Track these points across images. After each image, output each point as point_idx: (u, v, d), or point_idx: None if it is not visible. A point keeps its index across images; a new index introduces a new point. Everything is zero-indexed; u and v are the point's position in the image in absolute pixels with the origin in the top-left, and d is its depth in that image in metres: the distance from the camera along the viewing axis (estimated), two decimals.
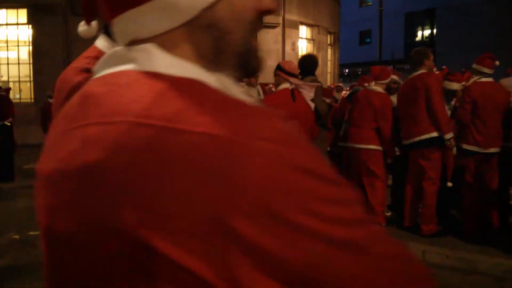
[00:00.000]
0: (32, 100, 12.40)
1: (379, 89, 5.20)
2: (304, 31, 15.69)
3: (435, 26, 29.11)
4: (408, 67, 26.05)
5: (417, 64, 4.73)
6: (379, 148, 5.17)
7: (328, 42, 16.85)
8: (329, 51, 17.03)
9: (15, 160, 7.92)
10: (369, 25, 32.37)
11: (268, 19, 14.12)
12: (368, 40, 33.52)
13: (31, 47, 12.57)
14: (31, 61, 12.59)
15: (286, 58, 14.84)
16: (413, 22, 30.53)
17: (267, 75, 12.20)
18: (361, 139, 5.26)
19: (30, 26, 12.50)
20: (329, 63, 16.93)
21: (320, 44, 16.29)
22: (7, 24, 12.58)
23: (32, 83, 12.55)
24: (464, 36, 26.40)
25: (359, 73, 27.56)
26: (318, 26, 16.04)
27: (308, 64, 5.28)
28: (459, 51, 26.06)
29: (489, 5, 25.81)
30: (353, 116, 5.35)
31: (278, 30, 14.51)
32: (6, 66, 12.67)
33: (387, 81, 5.28)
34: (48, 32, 12.27)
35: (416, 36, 30.91)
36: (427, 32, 29.99)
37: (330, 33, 16.92)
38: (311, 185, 0.44)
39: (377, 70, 5.32)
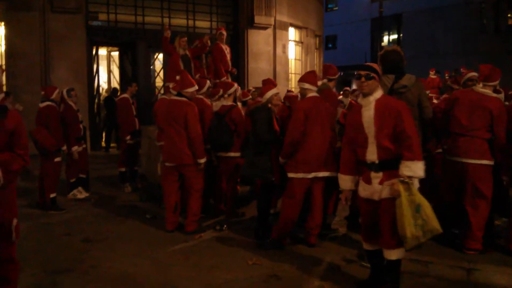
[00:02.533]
0: None
1: (490, 92, 4.65)
2: (292, 33, 15.12)
3: (401, 31, 29.42)
4: None
5: None
6: (491, 163, 4.64)
7: (316, 46, 16.38)
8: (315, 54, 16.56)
9: None
10: (334, 30, 32.47)
11: (260, 20, 13.44)
12: (330, 45, 33.61)
13: (3, 47, 11.29)
14: (3, 63, 11.30)
15: (277, 61, 14.21)
16: (379, 27, 30.69)
17: (258, 78, 11.48)
18: (471, 152, 4.71)
19: (3, 23, 11.23)
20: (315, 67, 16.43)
21: (308, 47, 15.78)
22: None
23: (4, 87, 11.24)
24: (432, 41, 26.80)
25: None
26: (306, 28, 15.53)
27: (397, 58, 4.70)
28: (427, 56, 26.45)
29: (457, 9, 26.27)
30: (461, 123, 4.78)
31: (269, 31, 13.87)
32: None
33: (496, 83, 4.74)
34: (24, 31, 11.05)
35: (383, 41, 31.09)
36: (393, 37, 30.27)
37: (316, 36, 16.45)
38: None
39: (487, 69, 4.75)
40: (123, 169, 8.22)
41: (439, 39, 27.24)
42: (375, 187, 3.71)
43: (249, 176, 5.43)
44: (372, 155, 3.68)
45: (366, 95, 3.73)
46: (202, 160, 5.73)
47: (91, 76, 12.11)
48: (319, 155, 4.93)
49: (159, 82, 13.49)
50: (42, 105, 6.90)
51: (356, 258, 4.85)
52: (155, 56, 13.54)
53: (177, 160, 5.73)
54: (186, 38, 8.63)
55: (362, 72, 3.69)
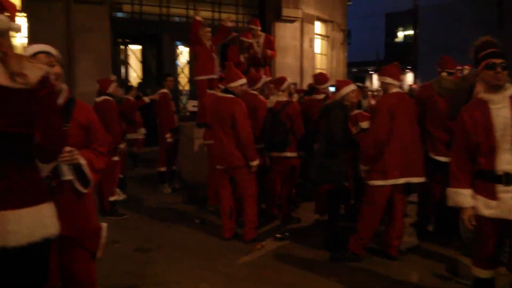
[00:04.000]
0: None
1: None
2: (318, 27, 14.60)
3: (417, 26, 28.86)
4: None
5: None
6: None
7: (341, 41, 15.88)
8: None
9: None
10: (348, 25, 31.91)
11: (288, 12, 12.94)
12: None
13: (26, 39, 10.76)
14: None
15: (304, 56, 13.71)
16: (394, 23, 30.17)
17: (284, 74, 10.99)
18: None
19: (25, 14, 10.69)
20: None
21: (334, 41, 15.27)
22: None
23: None
24: (448, 36, 26.25)
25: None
26: (332, 22, 15.01)
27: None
28: (443, 51, 25.91)
29: (475, 3, 25.73)
30: None
31: (296, 25, 13.35)
32: None
33: None
34: (47, 22, 10.53)
35: (397, 36, 30.59)
36: (409, 32, 29.74)
37: (341, 30, 15.94)
38: None
39: None
40: (163, 169, 7.74)
41: (456, 34, 26.68)
42: (508, 203, 3.02)
43: (320, 181, 4.92)
44: (506, 164, 3.07)
45: (499, 88, 3.08)
46: (255, 163, 5.25)
47: (114, 69, 11.59)
48: (407, 158, 4.44)
49: (182, 77, 12.99)
50: (98, 99, 6.33)
51: (448, 274, 4.37)
52: (180, 50, 13.01)
53: (226, 162, 5.28)
54: (210, 29, 8.01)
55: (497, 61, 3.02)
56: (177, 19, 12.16)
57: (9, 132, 1.99)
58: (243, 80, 5.36)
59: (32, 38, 10.61)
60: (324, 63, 15.09)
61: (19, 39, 10.82)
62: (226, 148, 5.20)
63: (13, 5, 2.20)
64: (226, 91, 5.29)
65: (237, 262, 4.76)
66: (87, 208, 2.80)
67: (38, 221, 2.05)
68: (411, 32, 29.81)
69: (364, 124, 5.31)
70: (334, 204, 5.06)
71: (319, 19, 14.24)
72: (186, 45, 12.75)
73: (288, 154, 5.86)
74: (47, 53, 2.75)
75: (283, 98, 5.97)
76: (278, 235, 5.49)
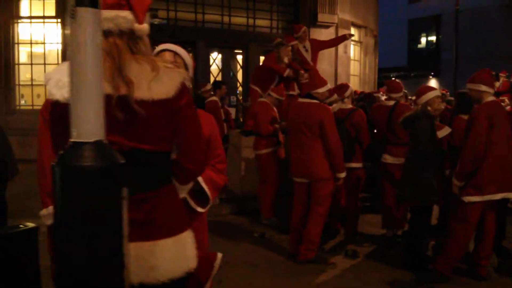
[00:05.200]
0: None
1: None
2: (352, 32, 14.27)
3: (440, 32, 28.44)
4: (414, 75, 25.03)
5: None
6: None
7: (373, 46, 15.55)
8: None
9: None
10: None
11: (323, 17, 12.66)
12: None
13: (60, 45, 10.58)
14: (60, 61, 10.59)
15: (339, 62, 13.42)
16: (417, 29, 29.77)
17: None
18: None
19: (60, 20, 10.53)
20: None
21: (367, 47, 14.95)
22: (30, 18, 10.54)
23: None
24: (472, 44, 25.77)
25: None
26: (366, 27, 14.70)
27: None
28: (467, 59, 25.40)
29: (500, 10, 25.26)
30: None
31: (332, 30, 13.05)
32: (29, 67, 10.63)
33: None
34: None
35: (420, 43, 30.17)
36: (431, 39, 29.32)
37: (374, 36, 15.62)
38: None
39: None
40: None
41: (481, 41, 26.19)
42: None
43: (409, 197, 4.54)
44: None
45: None
46: (342, 175, 4.89)
47: None
48: (504, 172, 4.10)
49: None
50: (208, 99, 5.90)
51: None
52: (214, 57, 12.76)
53: (310, 174, 4.89)
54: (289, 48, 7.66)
55: None
56: (212, 25, 11.94)
57: (146, 150, 1.68)
58: (328, 86, 5.04)
59: (67, 45, 10.44)
60: (356, 69, 14.77)
61: (54, 46, 10.66)
62: (311, 158, 4.83)
63: (142, 3, 1.85)
64: (309, 96, 4.96)
65: (314, 282, 4.43)
66: (200, 230, 2.50)
67: (181, 253, 1.76)
68: (434, 38, 29.44)
69: (441, 133, 4.96)
70: (420, 221, 4.68)
71: (353, 24, 13.93)
72: (220, 51, 12.52)
73: (353, 165, 5.53)
74: (173, 52, 2.39)
75: (347, 105, 5.66)
76: (349, 253, 5.15)
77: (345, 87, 5.82)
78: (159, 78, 1.68)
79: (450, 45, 26.67)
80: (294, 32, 8.49)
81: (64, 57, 10.49)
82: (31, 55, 10.70)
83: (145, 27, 1.76)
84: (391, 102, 5.67)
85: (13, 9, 10.36)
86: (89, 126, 1.24)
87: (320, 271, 4.71)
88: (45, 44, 10.69)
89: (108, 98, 1.59)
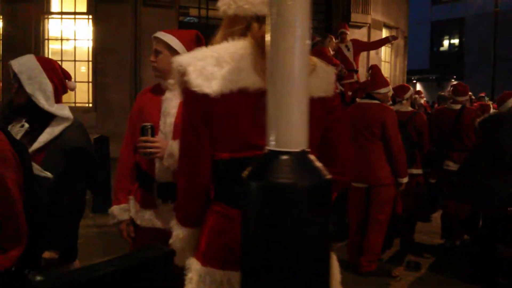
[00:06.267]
0: (91, 105, 10.22)
1: None
2: (383, 33, 13.96)
3: (464, 35, 27.94)
4: (433, 78, 24.54)
5: None
6: None
7: (403, 48, 15.21)
8: None
9: None
10: None
11: (356, 17, 12.36)
12: None
13: (91, 42, 10.37)
14: (90, 59, 10.39)
15: (370, 63, 13.09)
16: (440, 31, 29.30)
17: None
18: None
19: (91, 16, 10.32)
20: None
21: (398, 49, 14.61)
22: (61, 13, 10.36)
23: (91, 84, 10.36)
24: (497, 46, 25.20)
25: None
26: (397, 28, 14.35)
27: None
28: (492, 62, 24.85)
29: None
30: None
31: (364, 31, 12.74)
32: (59, 63, 10.41)
33: None
34: (114, 24, 10.13)
35: (443, 45, 29.71)
36: (454, 41, 28.83)
37: (405, 37, 15.28)
38: None
39: None
40: None
41: (506, 44, 25.62)
42: None
43: (483, 205, 4.25)
44: None
45: None
46: (405, 180, 4.59)
47: None
48: None
49: None
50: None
51: None
52: None
53: (370, 179, 4.60)
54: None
55: None
56: None
57: None
58: (390, 87, 4.75)
59: (98, 41, 10.25)
60: (386, 71, 14.43)
61: (85, 43, 10.46)
62: (371, 162, 4.54)
63: None
64: (369, 96, 4.67)
65: None
66: None
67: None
68: (457, 40, 28.96)
69: None
70: (491, 231, 4.38)
71: (385, 25, 13.61)
72: None
73: (414, 171, 5.21)
74: (160, 39, 2.45)
75: (407, 108, 5.36)
76: (411, 264, 4.85)
77: (405, 88, 5.53)
78: (317, 74, 1.43)
79: (473, 48, 26.22)
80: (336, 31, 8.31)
81: (95, 54, 10.30)
82: (61, 52, 10.52)
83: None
84: (457, 106, 5.35)
85: (44, 5, 10.18)
86: (292, 133, 0.98)
87: (384, 284, 4.42)
88: (76, 41, 10.50)
89: (260, 94, 1.35)
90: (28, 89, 2.24)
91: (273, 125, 0.98)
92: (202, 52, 1.42)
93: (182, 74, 1.38)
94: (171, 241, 1.54)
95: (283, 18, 0.98)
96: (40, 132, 2.27)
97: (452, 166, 5.21)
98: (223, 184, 1.43)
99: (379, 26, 13.13)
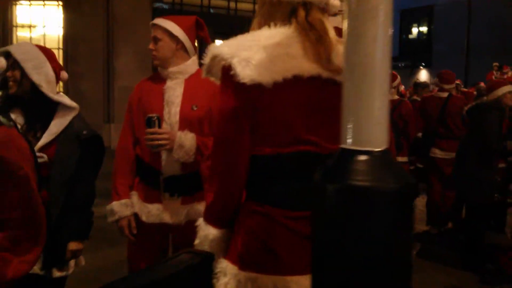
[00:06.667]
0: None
1: None
2: None
3: (433, 24, 28.32)
4: (402, 65, 24.90)
5: None
6: None
7: None
8: None
9: None
10: None
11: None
12: None
13: (61, 30, 10.04)
14: (61, 46, 10.06)
15: None
16: (409, 19, 29.62)
17: None
18: None
19: (61, 3, 9.98)
20: None
21: None
22: (30, 0, 9.97)
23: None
24: (467, 36, 25.56)
25: None
26: None
27: None
28: (461, 51, 25.21)
29: (496, 2, 25.09)
30: None
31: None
32: None
33: None
34: (85, 12, 9.83)
35: (411, 33, 30.08)
36: (423, 29, 29.21)
37: None
38: None
39: None
40: None
41: (476, 34, 26.01)
42: None
43: (468, 193, 4.27)
44: None
45: None
46: None
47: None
48: None
49: None
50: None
51: None
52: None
53: None
54: None
55: None
56: (218, 11, 11.52)
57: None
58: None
59: (69, 29, 9.93)
60: None
61: (55, 30, 10.10)
62: None
63: None
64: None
65: None
66: None
67: None
68: (425, 28, 29.34)
69: None
70: (482, 219, 4.42)
71: None
72: (225, 39, 12.11)
73: (400, 159, 5.23)
74: (159, 26, 2.39)
75: (393, 96, 5.36)
76: None
77: (393, 76, 5.52)
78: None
79: (442, 36, 26.60)
80: None
81: (66, 42, 9.98)
82: (30, 40, 10.12)
83: (338, 3, 1.42)
84: (444, 94, 5.37)
85: None
86: (373, 129, 0.89)
87: None
88: (45, 28, 10.13)
89: (314, 82, 1.26)
90: (35, 78, 2.09)
91: (350, 121, 0.90)
92: (244, 41, 1.31)
93: (227, 68, 1.27)
94: (197, 241, 1.43)
95: (364, 4, 0.89)
96: (44, 123, 2.13)
97: (438, 153, 5.25)
98: (264, 181, 1.33)
99: None
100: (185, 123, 2.25)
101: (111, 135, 9.17)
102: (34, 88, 2.10)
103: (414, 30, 29.96)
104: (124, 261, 2.60)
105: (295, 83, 1.27)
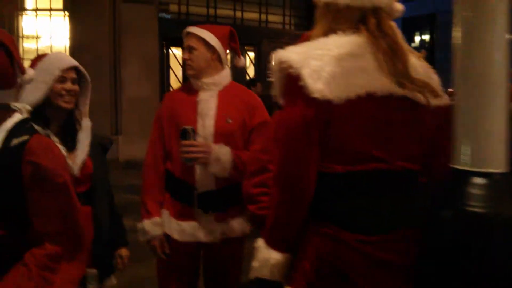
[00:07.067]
0: None
1: None
2: None
3: (435, 32, 28.36)
4: None
5: None
6: None
7: None
8: None
9: None
10: None
11: None
12: None
13: (68, 40, 9.96)
14: None
15: None
16: (411, 27, 29.67)
17: None
18: None
19: (67, 13, 9.90)
20: None
21: None
22: (36, 10, 9.91)
23: None
24: None
25: None
26: None
27: None
28: None
29: None
30: None
31: None
32: None
33: None
34: (91, 21, 9.75)
35: (414, 41, 30.12)
36: (426, 37, 29.25)
37: None
38: None
39: None
40: None
41: None
42: None
43: None
44: None
45: None
46: None
47: (162, 73, 10.85)
48: None
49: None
50: None
51: None
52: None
53: None
54: None
55: None
56: (224, 21, 11.48)
57: (415, 171, 1.24)
58: None
59: (75, 38, 9.86)
60: None
61: (61, 40, 10.02)
62: None
63: None
64: None
65: None
66: None
67: None
68: (428, 37, 29.38)
69: None
70: None
71: None
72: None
73: None
74: (195, 35, 2.32)
75: None
76: None
77: None
78: (432, 77, 1.27)
79: (445, 45, 26.63)
80: None
81: (72, 52, 9.89)
82: (36, 50, 10.05)
83: (401, 7, 1.34)
84: None
85: (17, 1, 9.71)
86: (493, 148, 0.79)
87: None
88: (52, 39, 10.06)
89: (387, 99, 1.17)
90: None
91: (466, 138, 0.80)
92: (313, 49, 1.22)
93: (295, 78, 1.18)
94: (256, 264, 1.32)
95: (479, 12, 0.80)
96: (72, 135, 2.02)
97: None
98: (333, 201, 1.23)
99: None
100: (220, 136, 2.15)
101: (119, 147, 9.05)
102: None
103: (417, 39, 30.00)
104: (151, 278, 2.51)
105: (368, 99, 1.18)
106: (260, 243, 1.32)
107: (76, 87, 1.98)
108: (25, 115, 1.53)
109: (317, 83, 1.14)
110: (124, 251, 2.18)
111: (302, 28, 11.68)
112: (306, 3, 12.59)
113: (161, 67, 10.83)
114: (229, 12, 11.59)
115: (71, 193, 1.39)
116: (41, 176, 1.34)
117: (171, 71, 12.20)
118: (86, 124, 2.06)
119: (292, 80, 1.19)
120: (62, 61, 2.00)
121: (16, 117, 1.50)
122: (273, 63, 1.26)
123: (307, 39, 1.40)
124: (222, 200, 2.19)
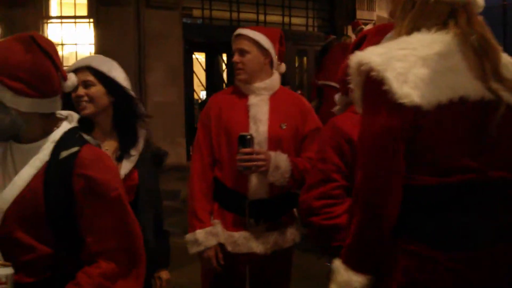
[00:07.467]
0: None
1: None
2: None
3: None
4: None
5: None
6: None
7: None
8: None
9: None
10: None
11: (362, 15, 12.19)
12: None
13: (93, 47, 10.00)
14: None
15: None
16: None
17: None
18: None
19: (92, 20, 9.94)
20: None
21: None
22: (61, 18, 9.97)
23: None
24: None
25: None
26: None
27: None
28: None
29: (498, 9, 24.58)
30: None
31: (370, 28, 12.51)
32: None
33: None
34: (116, 28, 9.76)
35: None
36: None
37: None
38: None
39: None
40: None
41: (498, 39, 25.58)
42: None
43: None
44: None
45: None
46: None
47: (186, 79, 10.83)
48: None
49: None
50: None
51: None
52: None
53: None
54: None
55: None
56: (247, 24, 11.43)
57: (506, 179, 1.12)
58: None
59: (100, 45, 9.88)
60: None
61: (86, 48, 10.08)
62: None
63: None
64: None
65: None
66: None
67: None
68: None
69: None
70: None
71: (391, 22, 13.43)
72: None
73: None
74: (246, 36, 2.27)
75: None
76: None
77: None
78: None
79: None
80: (352, 28, 8.16)
81: None
82: (62, 58, 10.11)
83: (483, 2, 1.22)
84: None
85: (43, 9, 9.79)
86: None
87: None
88: (77, 46, 10.12)
89: (481, 104, 1.04)
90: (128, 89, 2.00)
91: None
92: (396, 50, 1.11)
93: (378, 82, 1.06)
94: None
95: None
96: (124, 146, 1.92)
97: None
98: (423, 216, 1.11)
99: (384, 22, 12.91)
100: (274, 142, 2.06)
101: None
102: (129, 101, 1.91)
103: None
104: (182, 285, 2.47)
105: (460, 103, 1.06)
106: (338, 264, 1.20)
107: (90, 90, 1.85)
108: (74, 124, 1.44)
109: (404, 87, 1.04)
110: (164, 274, 2.04)
111: (325, 30, 11.56)
112: (329, 5, 12.48)
113: (186, 72, 10.80)
114: (253, 16, 11.55)
115: (126, 207, 1.30)
116: (94, 190, 1.26)
117: (194, 76, 12.18)
118: (140, 133, 1.96)
119: (375, 85, 1.08)
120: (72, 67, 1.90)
121: (64, 127, 1.41)
122: (351, 66, 1.14)
123: (375, 39, 1.30)
124: (273, 209, 2.10)
